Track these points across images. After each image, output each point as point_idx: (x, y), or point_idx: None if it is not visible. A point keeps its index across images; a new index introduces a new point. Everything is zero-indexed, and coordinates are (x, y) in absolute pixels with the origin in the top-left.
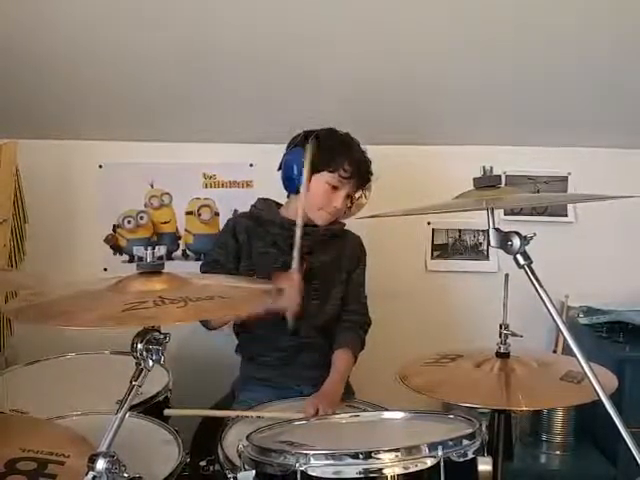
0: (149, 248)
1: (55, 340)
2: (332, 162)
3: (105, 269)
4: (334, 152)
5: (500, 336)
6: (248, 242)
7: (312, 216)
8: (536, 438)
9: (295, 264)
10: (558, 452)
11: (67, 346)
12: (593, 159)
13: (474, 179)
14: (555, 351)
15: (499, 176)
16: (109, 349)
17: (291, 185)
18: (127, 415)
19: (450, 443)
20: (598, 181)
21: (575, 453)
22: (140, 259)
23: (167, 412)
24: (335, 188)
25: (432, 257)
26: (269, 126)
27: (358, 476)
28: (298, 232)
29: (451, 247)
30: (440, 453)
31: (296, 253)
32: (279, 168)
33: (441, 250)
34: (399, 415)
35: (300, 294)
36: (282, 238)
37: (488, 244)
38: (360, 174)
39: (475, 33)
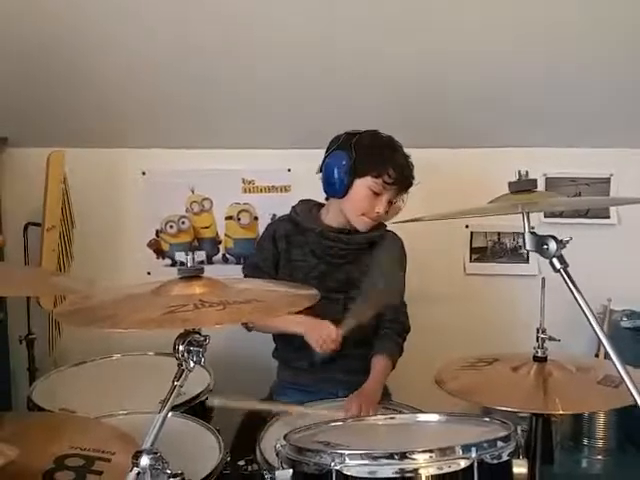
0: (189, 253)
1: (102, 341)
2: (376, 167)
3: (149, 273)
4: (378, 157)
5: (537, 340)
6: (287, 250)
7: (353, 221)
8: (577, 443)
9: (345, 326)
10: (600, 457)
11: (113, 347)
12: (636, 160)
13: (509, 183)
14: (597, 355)
15: (534, 180)
16: (153, 350)
17: (331, 189)
18: (170, 415)
19: (484, 445)
20: None
21: (617, 458)
22: (181, 264)
23: (210, 401)
24: (377, 194)
25: (471, 260)
26: (306, 131)
27: (392, 476)
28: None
29: (490, 250)
30: (474, 455)
31: (351, 321)
32: (319, 170)
33: (480, 253)
34: (434, 417)
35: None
36: (320, 247)
37: (524, 249)
38: (403, 180)
39: (509, 34)
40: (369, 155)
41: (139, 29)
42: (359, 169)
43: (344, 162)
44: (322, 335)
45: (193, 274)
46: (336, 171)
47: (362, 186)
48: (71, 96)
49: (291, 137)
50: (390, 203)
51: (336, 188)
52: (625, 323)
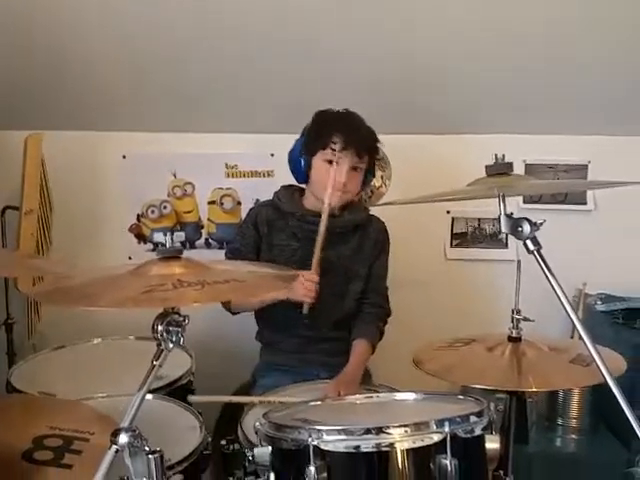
0: (168, 233)
1: (82, 326)
2: (320, 139)
3: (130, 257)
4: (322, 130)
5: (512, 321)
6: (269, 234)
7: (324, 199)
8: (552, 422)
9: (315, 263)
10: (573, 436)
11: (93, 332)
12: (613, 147)
13: (486, 167)
14: (572, 337)
15: (510, 163)
16: (134, 335)
17: (297, 177)
18: (152, 397)
19: (457, 419)
20: (618, 169)
21: (590, 437)
22: (161, 245)
23: (191, 399)
24: (334, 163)
25: (451, 245)
26: (290, 116)
27: (369, 450)
28: (319, 239)
29: (470, 236)
30: (447, 429)
31: (317, 252)
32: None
33: (460, 239)
34: (411, 396)
35: (317, 291)
36: (302, 231)
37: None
38: (354, 142)
39: (495, 20)
40: (314, 132)
41: (120, 10)
42: (310, 149)
43: (298, 148)
44: (302, 284)
45: (172, 254)
46: (294, 159)
47: (317, 162)
48: (49, 78)
49: (274, 122)
50: (354, 170)
51: (299, 175)
52: (600, 307)
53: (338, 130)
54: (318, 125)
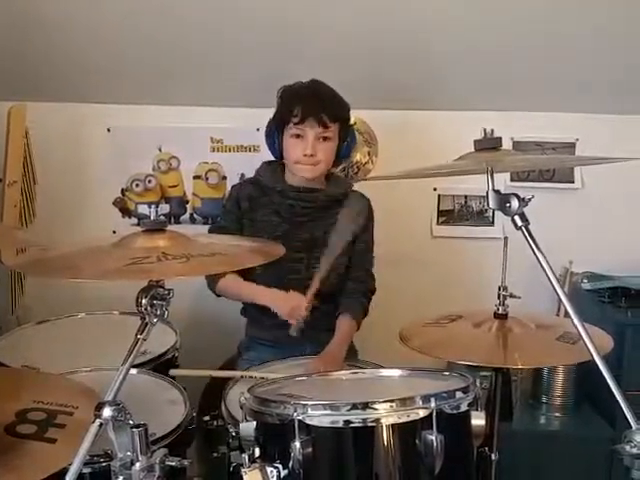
0: (153, 206)
1: (66, 300)
2: (285, 115)
3: (114, 232)
4: (284, 104)
5: (498, 297)
6: (250, 210)
7: (297, 173)
8: (536, 400)
9: (311, 291)
10: (558, 414)
11: (77, 307)
12: (601, 125)
13: (474, 141)
14: (558, 315)
15: (499, 138)
16: (118, 310)
17: (272, 152)
18: (136, 372)
19: (443, 395)
20: (606, 147)
21: (574, 415)
22: (145, 217)
23: (172, 372)
24: (299, 137)
25: (438, 223)
26: (275, 91)
27: (354, 425)
28: (319, 275)
29: (457, 213)
30: (433, 405)
31: (315, 282)
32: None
33: (447, 216)
34: (397, 372)
35: (305, 313)
36: (284, 206)
37: (487, 206)
38: (315, 111)
39: None
40: (279, 107)
41: None
42: (278, 126)
43: (269, 128)
44: (290, 305)
45: (157, 227)
46: (267, 136)
47: (286, 138)
48: (33, 47)
49: (261, 96)
50: (324, 140)
51: (274, 152)
52: (585, 285)
53: (297, 102)
54: (281, 100)
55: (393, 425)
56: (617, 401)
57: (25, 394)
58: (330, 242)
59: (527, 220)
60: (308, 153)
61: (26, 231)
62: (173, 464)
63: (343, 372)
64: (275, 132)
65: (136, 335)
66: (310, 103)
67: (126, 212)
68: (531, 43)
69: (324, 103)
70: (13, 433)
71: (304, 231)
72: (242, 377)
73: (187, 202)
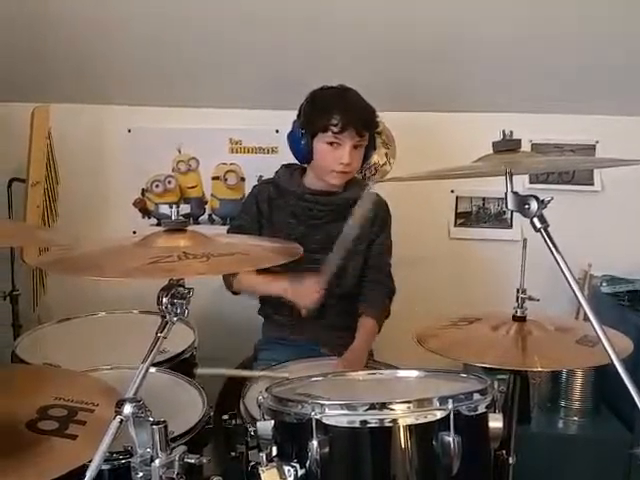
0: (174, 206)
1: (86, 299)
2: (321, 121)
3: (134, 232)
4: (320, 110)
5: (517, 300)
6: (269, 212)
7: (329, 180)
8: (555, 404)
9: (326, 274)
10: (576, 418)
11: (97, 306)
12: (622, 128)
13: (493, 143)
14: (577, 318)
15: (518, 140)
16: (138, 309)
17: (298, 158)
18: (155, 370)
19: (461, 397)
20: (627, 149)
21: (592, 419)
22: (165, 217)
23: (198, 371)
24: (335, 145)
25: (455, 225)
26: (294, 92)
27: (371, 426)
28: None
29: (474, 215)
30: (450, 406)
31: (332, 264)
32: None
33: (464, 218)
34: (414, 373)
35: (319, 301)
36: (301, 209)
37: (506, 208)
38: (353, 121)
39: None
40: (312, 113)
41: None
42: (309, 130)
43: (297, 129)
44: (305, 291)
45: (178, 227)
46: (295, 141)
47: (318, 144)
48: (56, 51)
49: (279, 98)
50: (356, 148)
51: (300, 156)
52: (605, 288)
53: (336, 111)
54: (315, 106)
55: (410, 426)
56: (636, 405)
57: (46, 390)
58: (340, 237)
59: (546, 222)
60: (345, 162)
61: (49, 230)
62: (192, 461)
63: (361, 372)
64: (305, 136)
65: (156, 333)
66: (349, 112)
67: (146, 212)
68: (554, 45)
69: (361, 112)
70: (35, 429)
71: (320, 233)
72: (261, 377)
73: (206, 203)
